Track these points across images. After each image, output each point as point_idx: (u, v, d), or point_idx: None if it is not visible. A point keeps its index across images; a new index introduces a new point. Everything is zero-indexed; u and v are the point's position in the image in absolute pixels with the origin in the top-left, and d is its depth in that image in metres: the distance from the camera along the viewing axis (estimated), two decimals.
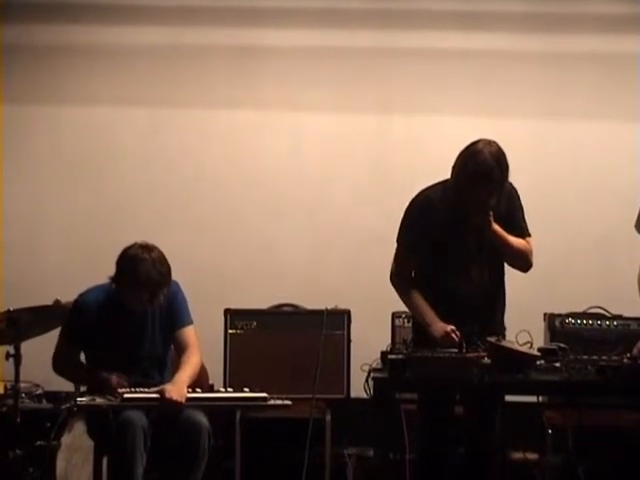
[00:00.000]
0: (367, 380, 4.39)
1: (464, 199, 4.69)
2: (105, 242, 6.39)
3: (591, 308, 6.02)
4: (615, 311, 5.99)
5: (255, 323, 6.19)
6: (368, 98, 6.78)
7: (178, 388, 4.73)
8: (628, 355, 4.45)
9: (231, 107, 6.82)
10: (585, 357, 4.46)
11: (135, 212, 6.73)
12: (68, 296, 5.04)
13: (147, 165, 6.81)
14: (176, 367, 4.94)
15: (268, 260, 6.72)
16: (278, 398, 4.83)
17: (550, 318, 5.95)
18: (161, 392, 4.70)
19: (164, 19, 6.78)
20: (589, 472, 5.48)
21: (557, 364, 4.41)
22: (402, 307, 5.02)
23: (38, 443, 5.15)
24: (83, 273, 5.74)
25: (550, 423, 5.57)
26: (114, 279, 4.86)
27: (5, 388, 5.28)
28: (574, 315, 5.96)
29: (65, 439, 5.23)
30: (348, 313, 6.18)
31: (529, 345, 4.44)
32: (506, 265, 4.93)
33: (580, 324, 5.91)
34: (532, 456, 5.81)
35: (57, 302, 5.12)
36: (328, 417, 5.92)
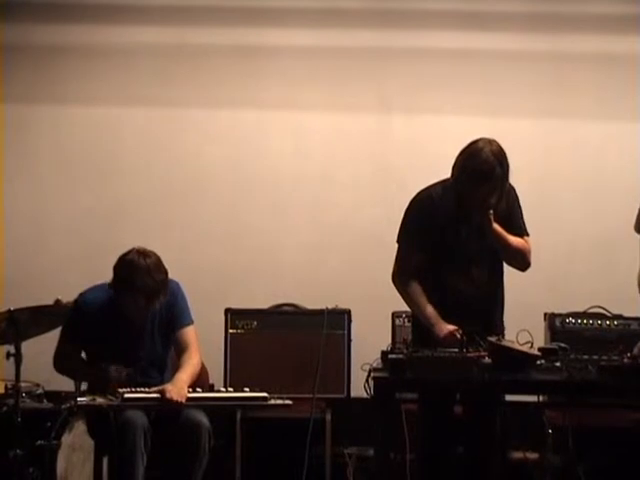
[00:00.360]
0: (367, 380, 4.38)
1: (465, 198, 4.69)
2: (106, 242, 6.40)
3: (592, 308, 6.02)
4: (615, 311, 5.99)
5: (255, 323, 6.20)
6: (368, 98, 6.79)
7: (178, 388, 4.73)
8: (628, 355, 4.44)
9: (232, 107, 6.82)
10: (585, 357, 4.45)
11: (136, 212, 6.73)
12: (69, 296, 5.04)
13: (148, 164, 6.81)
14: (176, 367, 4.94)
15: (269, 260, 6.72)
16: (278, 398, 4.84)
17: (551, 318, 5.95)
18: (161, 392, 4.70)
19: (165, 19, 6.78)
20: (589, 472, 5.48)
21: (558, 364, 4.40)
22: (402, 307, 5.02)
23: (39, 443, 5.14)
24: (84, 273, 5.76)
25: (550, 423, 5.56)
26: (112, 284, 4.87)
27: (6, 388, 5.27)
28: (575, 315, 5.96)
29: (66, 439, 5.23)
30: (348, 313, 6.19)
31: (530, 345, 4.44)
32: (506, 265, 4.94)
33: (581, 324, 5.91)
34: (532, 456, 5.80)
35: (58, 302, 5.12)
36: (328, 417, 5.92)
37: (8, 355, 4.95)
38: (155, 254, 4.86)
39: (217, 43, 6.80)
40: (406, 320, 5.85)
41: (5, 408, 5.17)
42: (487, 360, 4.35)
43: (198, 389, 4.85)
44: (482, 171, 4.61)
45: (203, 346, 5.05)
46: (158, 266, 4.82)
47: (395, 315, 6.09)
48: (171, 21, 6.79)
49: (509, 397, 5.10)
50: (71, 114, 6.80)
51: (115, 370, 4.82)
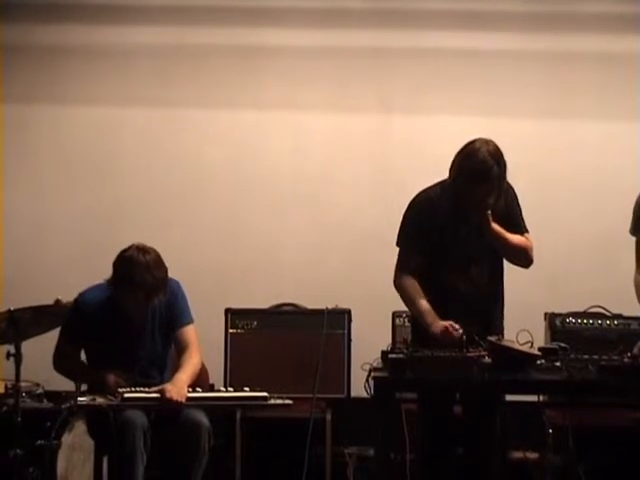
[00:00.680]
0: (367, 379, 4.38)
1: (463, 198, 4.69)
2: (106, 242, 6.38)
3: (592, 307, 6.02)
4: (615, 310, 5.99)
5: (256, 323, 6.20)
6: (369, 98, 6.79)
7: (178, 388, 4.73)
8: (628, 354, 4.44)
9: (232, 107, 6.82)
10: (586, 356, 4.46)
11: (136, 212, 6.74)
12: (69, 296, 5.04)
13: (148, 165, 6.81)
14: (176, 366, 4.94)
15: (269, 260, 6.72)
16: (278, 397, 4.83)
17: (551, 317, 5.95)
18: (161, 392, 4.70)
19: (164, 19, 6.78)
20: (589, 472, 5.47)
21: (558, 363, 4.40)
22: (402, 306, 5.02)
23: (39, 442, 5.14)
24: (84, 273, 5.74)
25: (550, 422, 5.56)
26: (111, 281, 4.87)
27: (6, 387, 5.27)
28: (575, 314, 5.96)
29: (66, 438, 5.23)
30: (349, 312, 6.19)
31: (530, 344, 4.44)
32: (505, 265, 4.94)
33: (581, 323, 5.91)
34: (532, 455, 5.81)
35: (58, 302, 5.12)
36: (328, 416, 5.92)
37: (8, 355, 4.95)
38: (155, 250, 4.86)
39: (217, 43, 6.80)
40: (406, 320, 5.84)
41: (5, 408, 5.17)
42: (487, 360, 4.35)
43: (198, 389, 4.85)
44: (479, 171, 4.62)
45: (203, 346, 5.05)
46: (158, 263, 4.82)
47: (395, 315, 6.09)
48: (171, 21, 6.79)
49: (509, 397, 5.10)
50: (71, 114, 6.81)
51: (113, 378, 4.81)
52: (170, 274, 4.90)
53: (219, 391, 4.97)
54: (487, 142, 4.69)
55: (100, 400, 4.69)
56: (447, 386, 4.48)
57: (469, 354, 4.36)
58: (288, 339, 6.13)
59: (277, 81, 6.81)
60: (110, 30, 6.78)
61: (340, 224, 6.74)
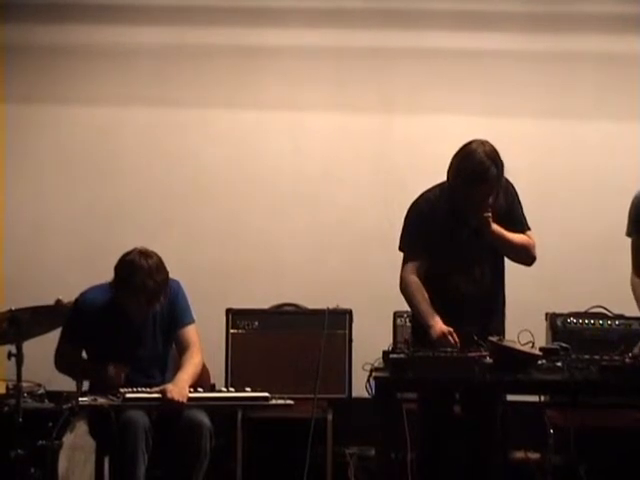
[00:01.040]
0: (369, 380, 4.38)
1: (462, 200, 4.70)
2: (107, 242, 6.41)
3: (593, 308, 6.02)
4: (617, 311, 5.99)
5: (257, 323, 6.20)
6: (369, 98, 6.78)
7: (179, 388, 4.73)
8: (630, 355, 4.45)
9: (232, 107, 6.82)
10: (587, 357, 4.45)
11: (137, 212, 6.74)
12: (70, 296, 5.04)
13: (148, 165, 6.81)
14: (177, 367, 4.94)
15: (269, 260, 6.72)
16: (280, 398, 4.84)
17: (552, 318, 5.95)
18: (162, 392, 4.70)
19: (164, 19, 6.79)
20: (591, 472, 5.48)
21: (559, 364, 4.40)
22: (403, 306, 5.02)
23: (40, 443, 5.13)
24: (84, 273, 5.76)
25: (552, 423, 5.56)
26: (113, 284, 4.87)
27: (7, 388, 5.26)
28: (576, 315, 5.96)
29: (67, 439, 5.22)
30: (349, 312, 6.19)
31: (531, 345, 4.44)
32: (506, 265, 4.94)
33: (582, 324, 5.91)
34: (534, 456, 5.81)
35: (59, 302, 5.12)
36: (330, 417, 5.92)
37: (9, 355, 4.94)
38: (157, 255, 4.86)
39: (217, 43, 6.80)
40: (407, 320, 5.84)
41: (7, 408, 5.16)
42: (488, 360, 4.35)
43: (199, 389, 4.85)
44: (477, 173, 4.62)
45: (204, 346, 5.04)
46: (159, 267, 4.82)
47: (396, 315, 6.09)
48: (171, 21, 6.79)
49: (510, 397, 5.10)
50: (72, 114, 6.81)
51: (113, 369, 4.81)
52: (170, 274, 4.90)
53: (220, 391, 4.98)
54: (483, 143, 4.69)
55: (101, 400, 4.69)
56: (449, 386, 4.49)
57: (470, 354, 4.36)
58: (289, 339, 6.13)
59: (277, 81, 6.81)
60: (110, 30, 6.78)
61: (340, 224, 6.74)
